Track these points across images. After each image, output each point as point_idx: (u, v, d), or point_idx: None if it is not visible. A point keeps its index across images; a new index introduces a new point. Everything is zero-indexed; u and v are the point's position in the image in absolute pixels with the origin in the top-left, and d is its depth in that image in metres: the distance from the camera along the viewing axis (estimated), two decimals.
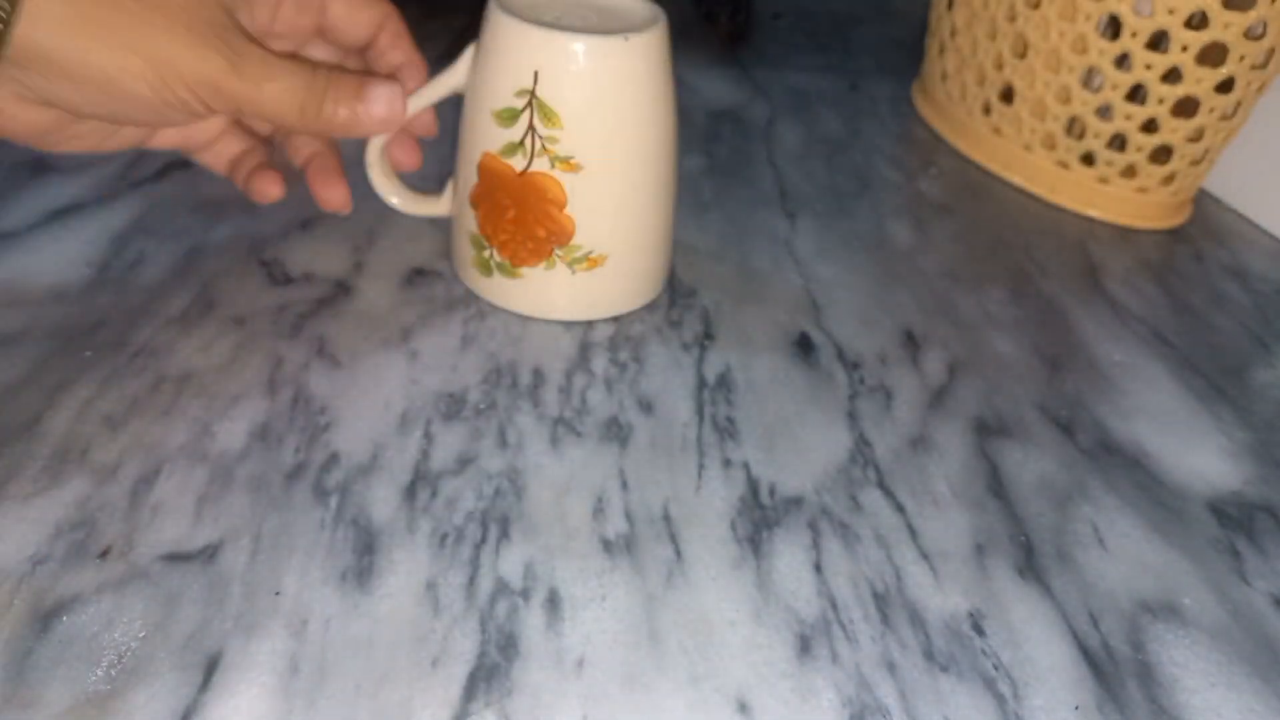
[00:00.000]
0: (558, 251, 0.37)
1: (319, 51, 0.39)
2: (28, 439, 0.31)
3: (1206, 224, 0.56)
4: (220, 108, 0.32)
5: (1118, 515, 0.34)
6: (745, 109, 0.62)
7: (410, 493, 0.31)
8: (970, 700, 0.27)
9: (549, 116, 0.34)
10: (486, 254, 0.38)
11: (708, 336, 0.40)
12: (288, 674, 0.25)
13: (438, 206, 0.41)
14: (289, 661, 0.26)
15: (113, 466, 0.30)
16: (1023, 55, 0.54)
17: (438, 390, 0.35)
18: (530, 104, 0.34)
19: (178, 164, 0.47)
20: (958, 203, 0.55)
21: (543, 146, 0.35)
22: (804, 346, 0.41)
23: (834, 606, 0.29)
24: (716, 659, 0.27)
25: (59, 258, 0.39)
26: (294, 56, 0.35)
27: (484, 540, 0.30)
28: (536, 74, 0.34)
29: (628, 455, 0.34)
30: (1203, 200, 0.59)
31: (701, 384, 0.38)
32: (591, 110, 0.34)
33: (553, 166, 0.35)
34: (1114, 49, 0.50)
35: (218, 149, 0.39)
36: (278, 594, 0.27)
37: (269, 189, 0.38)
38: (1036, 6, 0.52)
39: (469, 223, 0.38)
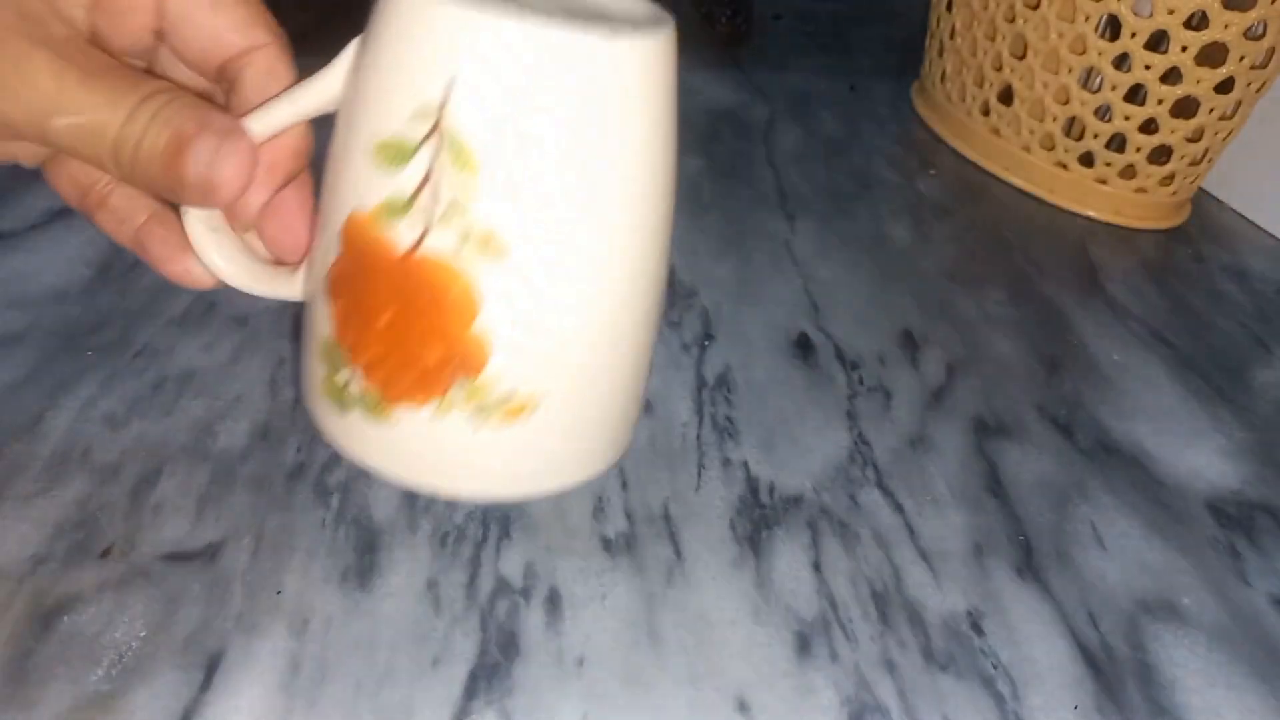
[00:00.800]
0: (457, 389, 0.23)
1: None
2: (28, 439, 0.31)
3: (1206, 224, 0.57)
4: (7, 134, 0.23)
5: (1117, 515, 0.34)
6: (745, 110, 0.62)
7: (411, 492, 0.31)
8: (969, 699, 0.27)
9: (462, 158, 0.21)
10: (341, 378, 0.24)
11: (708, 336, 0.40)
12: (289, 673, 0.25)
13: (289, 285, 0.26)
14: (290, 661, 0.26)
15: (114, 466, 0.30)
16: (1022, 56, 0.54)
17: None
18: (433, 134, 0.21)
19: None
20: (957, 203, 0.55)
21: (447, 210, 0.21)
22: (804, 346, 0.41)
23: (833, 606, 0.29)
24: (716, 658, 0.27)
25: (59, 258, 0.39)
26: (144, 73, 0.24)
27: (485, 539, 0.30)
28: (450, 84, 0.20)
29: (628, 455, 0.34)
30: (1202, 200, 0.59)
31: (701, 384, 0.38)
32: (539, 154, 0.21)
33: (461, 245, 0.21)
34: (1113, 49, 0.50)
35: (114, 207, 0.27)
36: (279, 593, 0.27)
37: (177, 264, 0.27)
38: (1036, 7, 0.53)
39: (321, 320, 0.24)
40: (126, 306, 0.37)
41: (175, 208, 0.26)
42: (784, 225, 0.50)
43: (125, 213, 0.27)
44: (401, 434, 0.24)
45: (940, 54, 0.62)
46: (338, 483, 0.31)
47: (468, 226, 0.21)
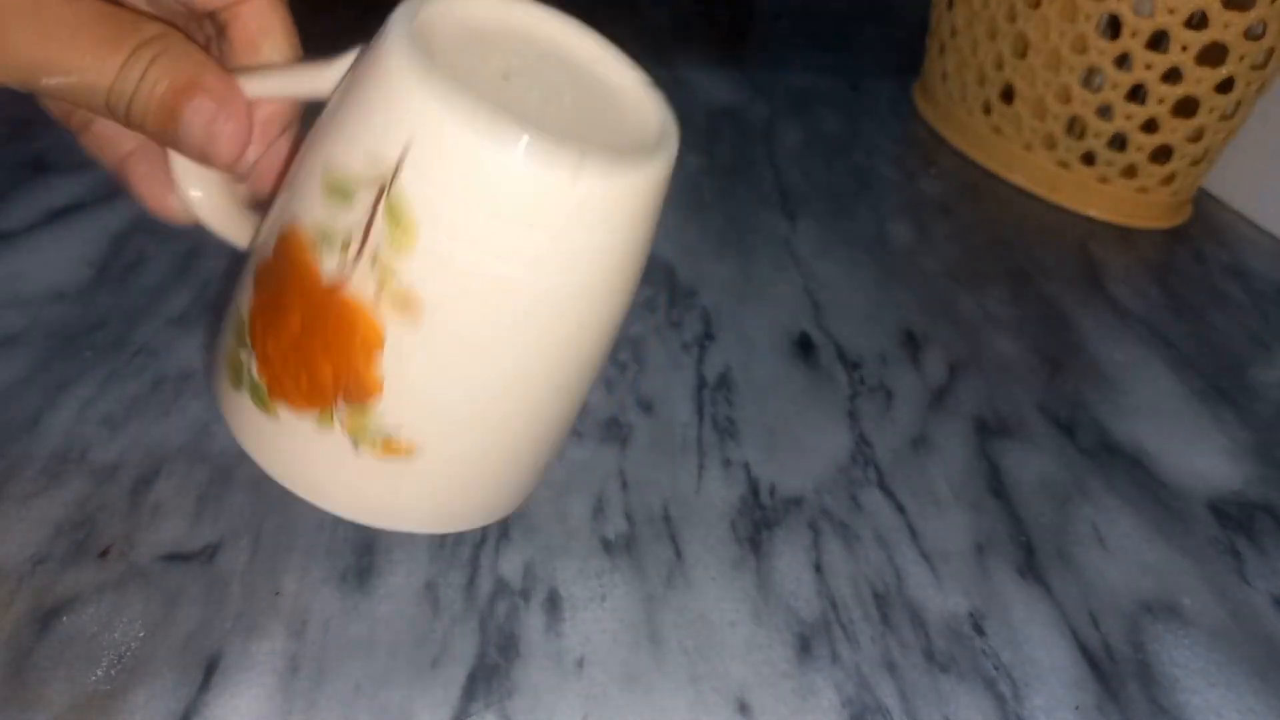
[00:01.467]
0: (342, 409, 0.22)
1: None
2: (28, 439, 0.31)
3: (1206, 224, 0.56)
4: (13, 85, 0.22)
5: (1118, 515, 0.34)
6: (745, 109, 0.62)
7: None
8: (970, 700, 0.27)
9: (399, 224, 0.20)
10: (244, 355, 0.24)
11: (708, 336, 0.40)
12: (287, 674, 0.25)
13: (241, 233, 0.26)
14: (289, 662, 0.26)
15: (113, 466, 0.30)
16: (1023, 55, 0.54)
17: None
18: (380, 196, 0.21)
19: None
20: (958, 203, 0.55)
21: (373, 260, 0.21)
22: (804, 346, 0.41)
23: (834, 607, 0.29)
24: (716, 659, 0.27)
25: (59, 258, 0.39)
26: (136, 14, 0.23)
27: (484, 540, 0.30)
28: (406, 148, 0.20)
29: (628, 455, 0.34)
30: (1203, 200, 0.59)
31: (701, 384, 0.38)
32: (476, 248, 0.21)
33: (379, 292, 0.21)
34: (1114, 49, 0.50)
35: (98, 133, 0.27)
36: (277, 594, 0.27)
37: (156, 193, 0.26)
38: (1037, 6, 0.52)
39: (242, 297, 0.24)
40: (125, 306, 0.37)
41: None
42: (785, 224, 0.50)
43: (110, 139, 0.27)
44: (281, 432, 0.24)
45: (941, 53, 0.62)
46: None
47: (388, 281, 0.21)
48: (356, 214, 0.21)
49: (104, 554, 0.28)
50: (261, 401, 0.23)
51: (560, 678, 0.26)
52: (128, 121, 0.23)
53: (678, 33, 0.71)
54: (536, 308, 0.22)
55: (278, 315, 0.23)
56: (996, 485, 0.35)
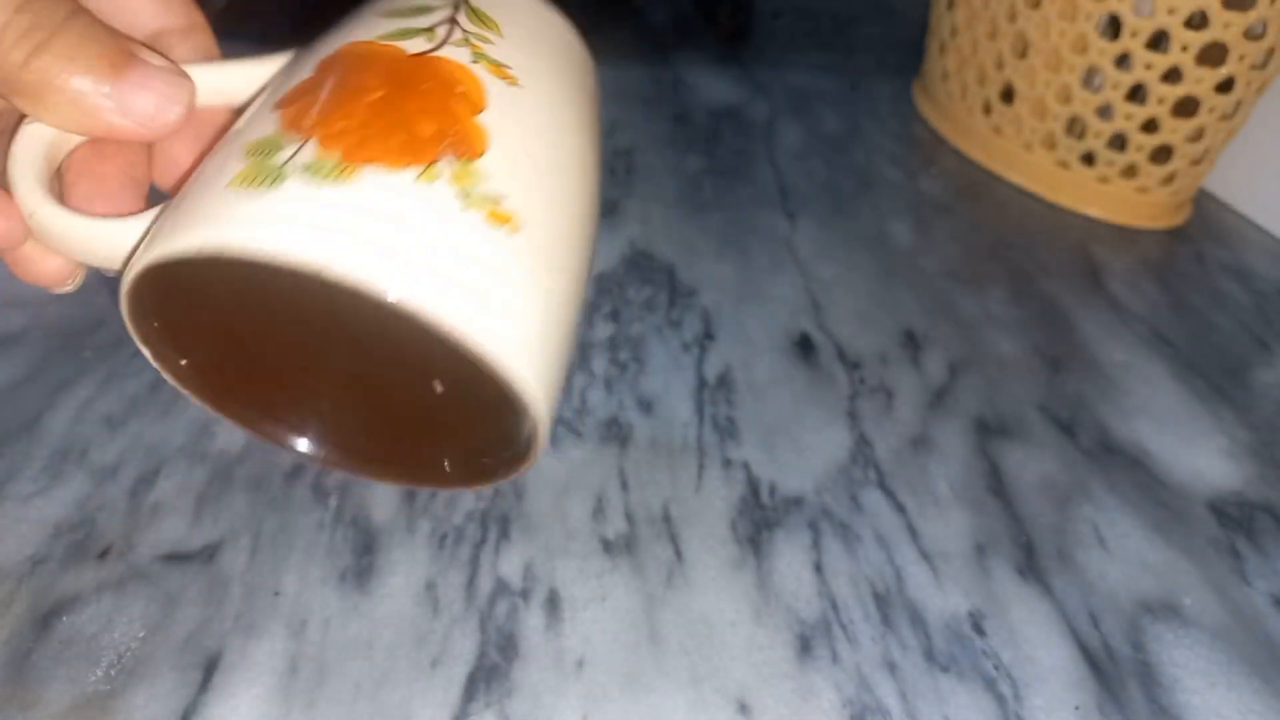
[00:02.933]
0: (448, 163, 0.20)
1: None
2: (28, 439, 0.31)
3: (1207, 224, 0.56)
4: None
5: (1118, 515, 0.34)
6: (745, 108, 0.62)
7: (409, 492, 0.31)
8: (970, 700, 0.27)
9: (483, 19, 0.22)
10: (277, 159, 0.19)
11: (708, 336, 0.40)
12: (287, 674, 0.25)
13: (108, 247, 0.23)
14: (288, 662, 0.26)
15: (112, 466, 0.30)
16: (1023, 55, 0.54)
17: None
18: (455, 6, 0.22)
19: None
20: (958, 202, 0.55)
21: (467, 39, 0.22)
22: (804, 346, 0.41)
23: (834, 607, 0.29)
24: (716, 659, 0.27)
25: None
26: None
27: (484, 540, 0.30)
28: None
29: (628, 455, 0.34)
30: (1203, 200, 0.59)
31: (701, 384, 0.38)
32: (548, 30, 0.24)
33: (476, 61, 0.21)
34: (1114, 49, 0.50)
35: None
36: (277, 594, 0.27)
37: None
38: (1037, 6, 0.52)
39: (255, 131, 0.20)
40: None
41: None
42: (785, 224, 0.50)
43: None
44: (364, 197, 0.18)
45: (941, 52, 0.62)
46: (336, 483, 0.31)
47: (484, 53, 0.22)
48: (436, 13, 0.22)
49: (104, 554, 0.28)
50: (330, 173, 0.19)
51: (560, 678, 0.26)
52: (19, 78, 0.19)
53: (678, 33, 0.71)
54: (590, 98, 0.25)
55: (348, 94, 0.20)
56: (996, 485, 0.35)
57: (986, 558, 0.32)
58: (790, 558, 0.31)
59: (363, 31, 0.21)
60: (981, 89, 0.58)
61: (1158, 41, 0.49)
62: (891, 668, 0.28)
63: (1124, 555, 0.33)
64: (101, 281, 0.38)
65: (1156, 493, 0.36)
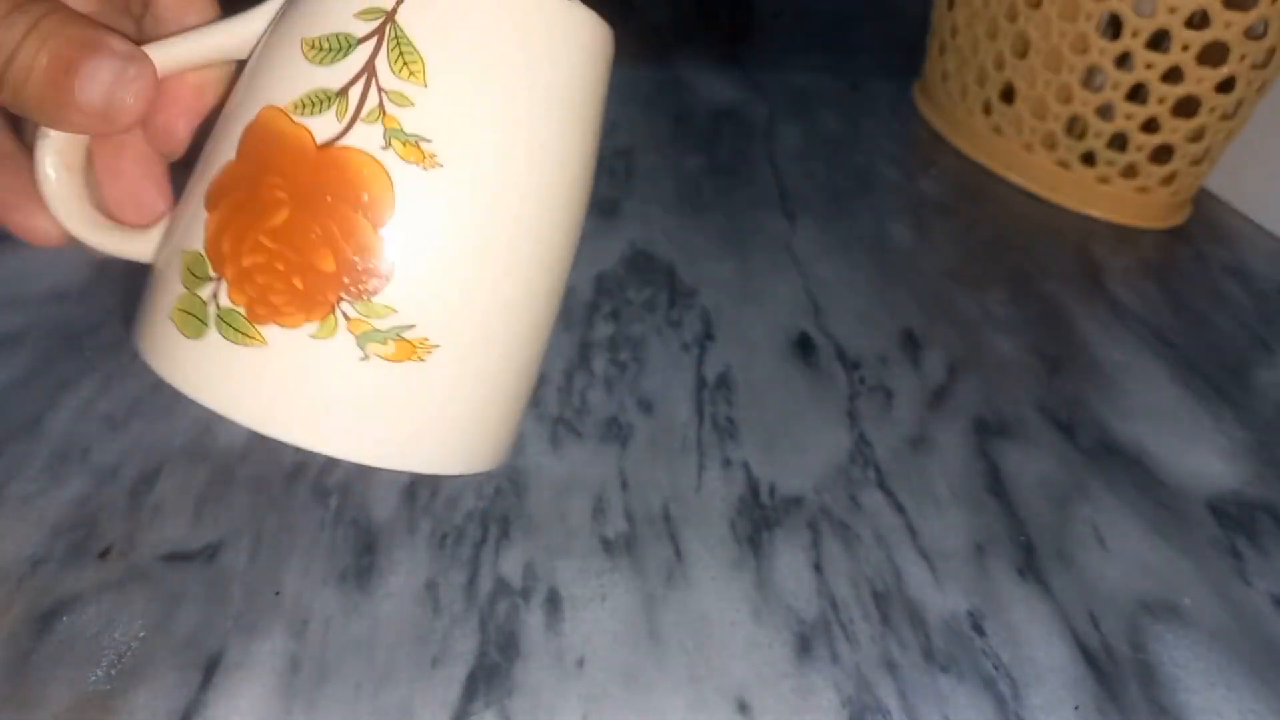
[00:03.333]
0: (345, 306, 0.20)
1: None
2: (28, 439, 0.31)
3: (1207, 224, 0.56)
4: None
5: (1118, 515, 0.34)
6: (745, 109, 0.62)
7: (410, 492, 0.31)
8: (970, 700, 0.27)
9: (408, 61, 0.19)
10: (203, 293, 0.21)
11: (708, 336, 0.40)
12: (288, 674, 0.25)
13: (141, 244, 0.23)
14: (289, 661, 0.26)
15: (113, 466, 0.30)
16: (1023, 55, 0.54)
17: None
18: (381, 32, 0.20)
19: (178, 163, 0.47)
20: (958, 203, 0.55)
21: (380, 107, 0.19)
22: (804, 346, 0.41)
23: (834, 606, 0.29)
24: (716, 659, 0.27)
25: (59, 258, 0.39)
26: None
27: (484, 540, 0.30)
28: None
29: (628, 455, 0.34)
30: (1203, 200, 0.59)
31: (701, 384, 0.38)
32: (486, 85, 0.20)
33: (386, 145, 0.20)
34: (1115, 48, 0.50)
35: None
36: (278, 594, 0.27)
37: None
38: (1037, 6, 0.52)
39: (189, 236, 0.21)
40: (126, 306, 0.37)
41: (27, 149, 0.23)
42: (784, 224, 0.50)
43: None
44: (268, 360, 0.20)
45: (942, 52, 0.62)
46: (336, 483, 0.31)
47: (399, 127, 0.20)
48: (352, 62, 0.20)
49: (104, 554, 0.28)
50: (240, 331, 0.20)
51: (560, 677, 0.26)
52: (4, 81, 0.20)
53: (678, 33, 0.71)
54: (541, 148, 0.21)
55: (257, 214, 0.20)
56: (996, 485, 0.35)
57: (986, 557, 0.32)
58: (790, 557, 0.31)
59: (282, 77, 0.20)
60: (982, 89, 0.58)
61: (1158, 41, 0.49)
62: (891, 667, 0.28)
63: (1123, 555, 0.33)
64: (101, 282, 0.38)
65: (1156, 493, 0.36)
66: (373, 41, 0.20)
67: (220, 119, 0.22)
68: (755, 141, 0.58)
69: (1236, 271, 0.52)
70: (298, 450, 0.32)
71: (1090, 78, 0.52)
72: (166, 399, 0.33)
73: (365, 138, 0.19)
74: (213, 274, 0.20)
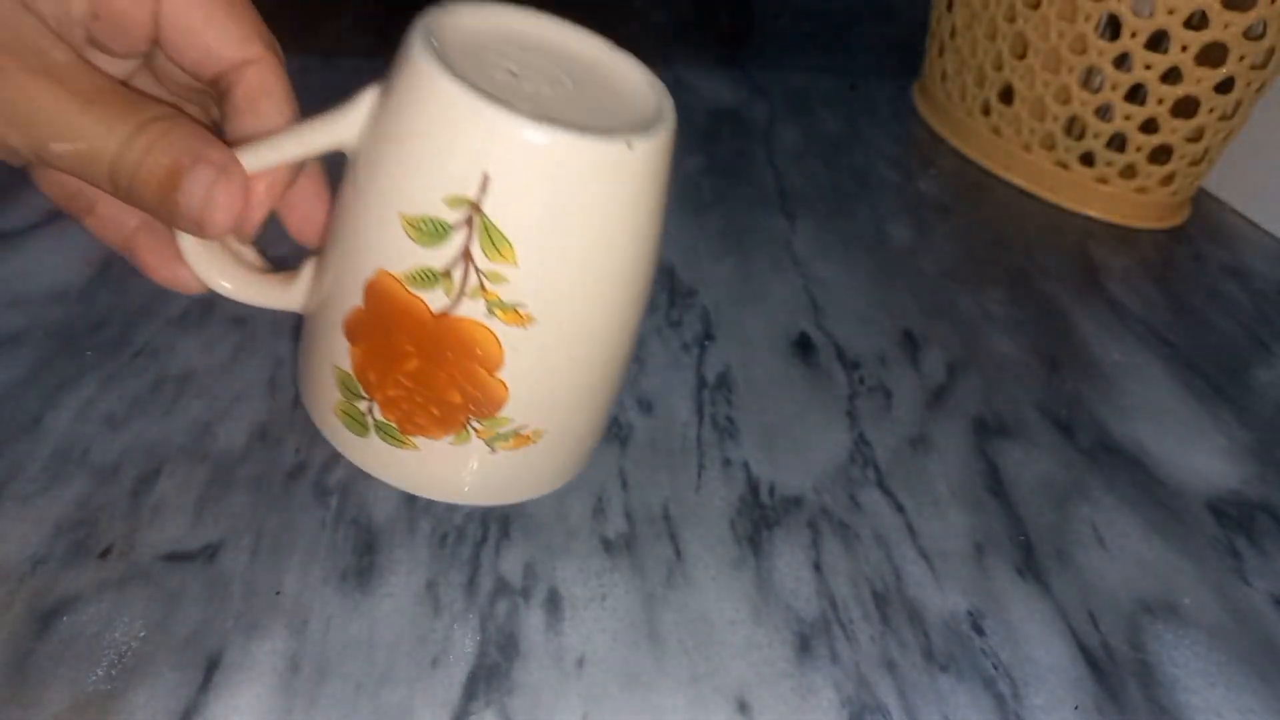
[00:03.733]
0: (474, 424, 0.25)
1: (151, 88, 0.28)
2: (28, 439, 0.31)
3: (1206, 224, 0.56)
4: (7, 157, 0.23)
5: (1117, 515, 0.34)
6: (745, 109, 0.62)
7: (410, 493, 0.31)
8: (970, 700, 0.27)
9: (498, 246, 0.22)
10: (363, 407, 0.26)
11: (708, 336, 0.40)
12: (288, 673, 0.25)
13: (287, 295, 0.28)
14: (289, 661, 0.26)
15: (113, 466, 0.30)
16: (1022, 55, 0.54)
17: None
18: (470, 222, 0.22)
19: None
20: (957, 203, 0.55)
21: (480, 285, 0.23)
22: (804, 346, 0.41)
23: (834, 606, 0.29)
24: (716, 658, 0.27)
25: (59, 258, 0.39)
26: (121, 85, 0.23)
27: (484, 540, 0.30)
28: (486, 179, 0.22)
29: (628, 455, 0.34)
30: (1202, 200, 0.59)
31: (701, 384, 0.38)
32: (566, 246, 0.23)
33: (490, 314, 0.23)
34: (1113, 49, 0.50)
35: (102, 214, 0.28)
36: (278, 594, 0.27)
37: (166, 267, 0.27)
38: (1036, 7, 0.52)
39: (337, 354, 0.26)
40: (126, 306, 0.37)
41: None
42: (784, 224, 0.50)
43: (114, 219, 0.28)
44: (421, 458, 0.26)
45: (941, 53, 0.62)
46: (337, 483, 0.31)
47: (498, 300, 0.23)
48: (451, 247, 0.23)
49: (104, 554, 0.28)
50: (396, 439, 0.26)
51: (560, 677, 0.26)
52: (129, 195, 0.23)
53: (678, 33, 0.71)
54: (618, 275, 0.25)
55: (392, 360, 0.25)
56: (995, 485, 0.35)
57: (985, 557, 0.32)
58: (789, 557, 0.31)
59: (390, 247, 0.23)
60: (981, 90, 0.58)
61: (1157, 41, 0.49)
62: (890, 667, 0.28)
63: (1123, 555, 0.33)
64: (102, 282, 0.38)
65: (1155, 492, 0.36)
66: (464, 231, 0.22)
67: (338, 231, 0.25)
68: (755, 142, 0.58)
69: (1235, 271, 0.52)
70: (297, 450, 0.32)
71: (1089, 78, 0.52)
72: (166, 399, 0.33)
73: (471, 309, 0.23)
74: (364, 394, 0.26)
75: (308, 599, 0.27)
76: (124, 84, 0.23)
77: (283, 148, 0.24)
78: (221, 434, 0.32)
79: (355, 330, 0.25)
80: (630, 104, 0.25)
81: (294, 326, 0.38)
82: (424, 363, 0.24)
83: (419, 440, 0.26)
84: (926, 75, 0.65)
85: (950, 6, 0.60)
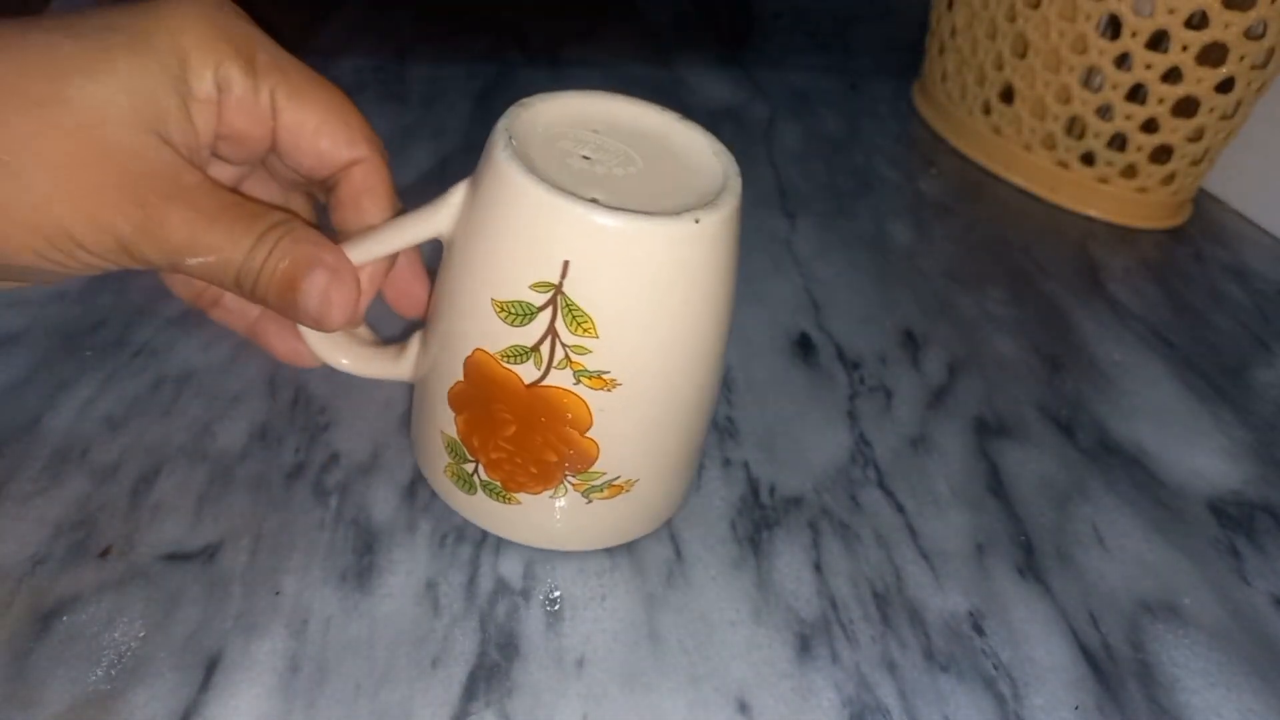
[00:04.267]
0: (570, 479, 0.28)
1: (263, 182, 0.31)
2: (28, 439, 0.31)
3: (1206, 224, 0.56)
4: (145, 266, 0.26)
5: (1118, 515, 0.34)
6: (745, 109, 0.62)
7: (410, 492, 0.31)
8: (970, 700, 0.27)
9: (580, 322, 0.25)
10: (469, 468, 0.29)
11: None
12: (288, 674, 0.25)
13: (397, 367, 0.31)
14: (289, 661, 0.26)
15: (113, 466, 0.30)
16: (1023, 55, 0.54)
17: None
18: (554, 303, 0.25)
19: None
20: (958, 203, 0.55)
21: (566, 358, 0.25)
22: (804, 346, 0.41)
23: (834, 606, 0.29)
24: (716, 659, 0.27)
25: None
26: (239, 193, 0.26)
27: (484, 540, 0.30)
28: (566, 265, 0.24)
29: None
30: (1203, 200, 0.59)
31: None
32: (641, 316, 0.25)
33: (577, 382, 0.26)
34: (1114, 49, 0.50)
35: (228, 306, 0.32)
36: (278, 594, 0.27)
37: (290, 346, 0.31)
38: (1036, 6, 0.52)
39: (444, 421, 0.29)
40: (125, 306, 0.37)
41: None
42: (784, 224, 0.50)
43: (239, 311, 0.32)
44: (524, 511, 0.29)
45: (941, 53, 0.62)
46: (336, 483, 0.31)
47: (584, 369, 0.26)
48: (538, 326, 0.25)
49: (104, 554, 0.28)
50: (500, 496, 0.29)
51: (560, 677, 0.26)
52: (252, 295, 0.26)
53: (678, 33, 0.71)
54: (693, 335, 0.27)
55: (492, 426, 0.27)
56: (996, 485, 0.35)
57: (986, 557, 0.32)
58: (790, 557, 0.31)
59: (484, 329, 0.26)
60: (981, 89, 0.58)
61: (1158, 41, 0.49)
62: (891, 667, 0.28)
63: (1123, 555, 0.33)
64: (102, 282, 0.38)
65: (1156, 492, 0.36)
66: (549, 310, 0.25)
67: (438, 312, 0.28)
68: (755, 142, 0.58)
69: (1236, 271, 0.52)
70: (297, 450, 0.32)
71: (1089, 78, 0.52)
72: (166, 399, 0.33)
73: (560, 379, 0.26)
74: (470, 458, 0.28)
75: (307, 599, 0.27)
76: (244, 196, 0.26)
77: (385, 241, 0.28)
78: (221, 434, 0.32)
79: (458, 401, 0.28)
80: (698, 177, 0.27)
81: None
82: (521, 428, 0.27)
83: (521, 496, 0.28)
84: (926, 75, 0.65)
85: (950, 6, 0.60)
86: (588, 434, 0.27)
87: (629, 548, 0.30)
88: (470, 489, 0.29)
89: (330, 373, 0.36)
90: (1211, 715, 0.28)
